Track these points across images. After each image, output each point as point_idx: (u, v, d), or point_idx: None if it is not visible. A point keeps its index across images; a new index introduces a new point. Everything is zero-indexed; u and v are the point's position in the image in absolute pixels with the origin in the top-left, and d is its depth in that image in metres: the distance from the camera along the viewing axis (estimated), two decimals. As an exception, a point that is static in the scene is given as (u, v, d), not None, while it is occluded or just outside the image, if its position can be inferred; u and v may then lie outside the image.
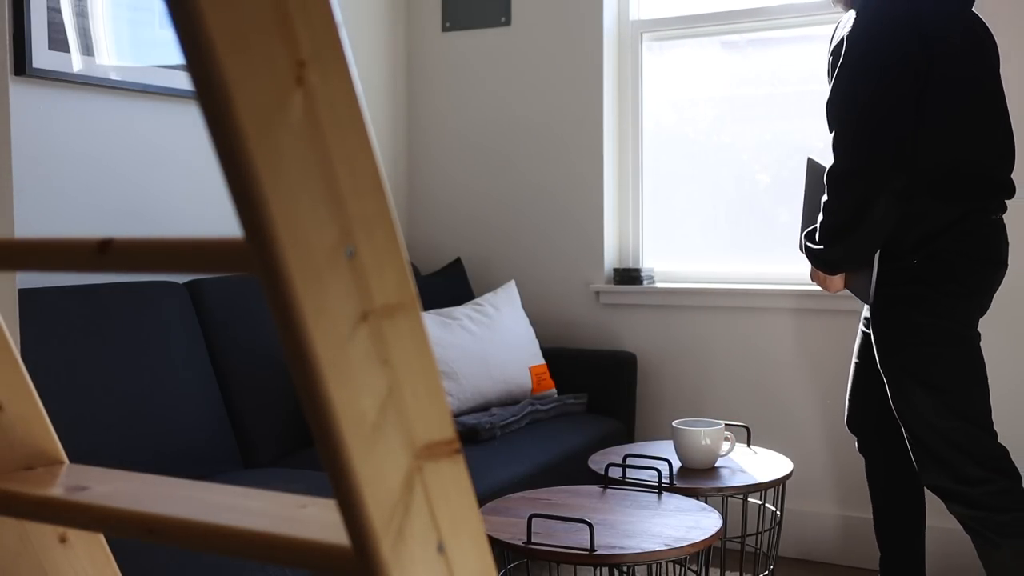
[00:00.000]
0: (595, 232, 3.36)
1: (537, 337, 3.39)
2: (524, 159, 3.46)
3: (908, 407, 2.07)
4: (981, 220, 2.04)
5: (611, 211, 3.38)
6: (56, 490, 0.79)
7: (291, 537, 0.64)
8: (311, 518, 0.68)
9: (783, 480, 2.26)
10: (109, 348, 2.29)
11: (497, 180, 3.51)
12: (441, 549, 0.61)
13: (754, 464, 2.36)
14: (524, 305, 3.46)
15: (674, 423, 2.34)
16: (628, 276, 3.29)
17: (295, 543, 0.64)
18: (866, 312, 2.28)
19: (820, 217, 2.07)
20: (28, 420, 0.88)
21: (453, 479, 0.62)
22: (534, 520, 1.82)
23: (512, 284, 3.25)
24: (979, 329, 2.11)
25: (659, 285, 3.28)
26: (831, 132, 2.05)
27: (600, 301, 3.35)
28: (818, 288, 3.04)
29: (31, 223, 2.37)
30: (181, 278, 2.63)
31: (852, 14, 2.05)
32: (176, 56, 2.69)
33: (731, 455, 2.41)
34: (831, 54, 2.10)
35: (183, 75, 2.71)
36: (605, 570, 2.00)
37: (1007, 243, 2.10)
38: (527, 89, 3.45)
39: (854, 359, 2.35)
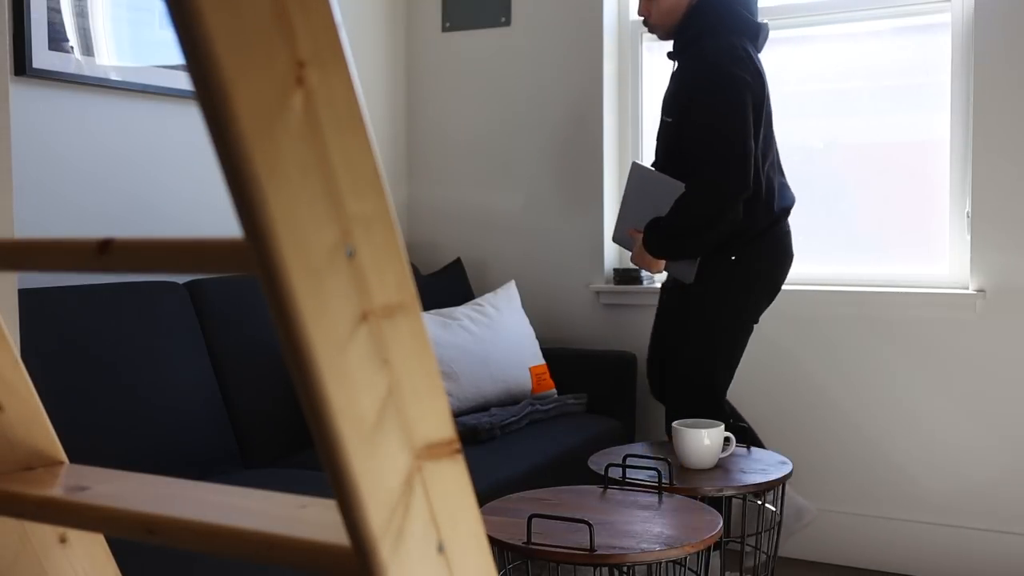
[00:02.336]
0: (595, 232, 3.36)
1: (537, 337, 3.39)
2: (524, 159, 3.46)
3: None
4: (774, 232, 2.65)
5: (611, 211, 3.38)
6: (56, 490, 0.79)
7: (291, 537, 0.64)
8: (311, 518, 0.68)
9: (783, 480, 2.26)
10: (109, 348, 2.29)
11: (497, 180, 3.51)
12: (441, 549, 0.61)
13: (754, 464, 2.36)
14: (524, 305, 3.46)
15: (674, 423, 2.34)
16: (628, 276, 3.29)
17: (295, 543, 0.64)
18: (662, 282, 2.95)
19: (678, 215, 2.54)
20: (28, 420, 0.88)
21: (453, 479, 0.62)
22: (534, 520, 1.82)
23: (512, 284, 3.25)
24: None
25: (659, 285, 3.28)
26: (700, 153, 2.52)
27: (600, 301, 3.35)
28: (817, 288, 3.05)
29: (31, 223, 2.37)
30: (181, 278, 2.63)
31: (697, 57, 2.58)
32: (176, 56, 2.69)
33: (731, 455, 2.41)
34: (678, 92, 2.60)
35: (183, 75, 2.71)
36: (605, 570, 2.00)
37: (791, 246, 2.72)
38: (527, 89, 3.45)
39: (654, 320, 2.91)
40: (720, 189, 2.49)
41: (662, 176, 2.63)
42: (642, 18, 2.76)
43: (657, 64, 3.38)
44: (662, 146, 2.70)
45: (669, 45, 2.79)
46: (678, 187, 2.58)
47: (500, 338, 3.03)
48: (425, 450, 0.60)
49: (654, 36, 3.36)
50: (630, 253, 2.77)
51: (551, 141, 3.41)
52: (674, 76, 2.70)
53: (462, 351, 2.92)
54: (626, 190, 2.75)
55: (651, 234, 2.61)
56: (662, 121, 2.70)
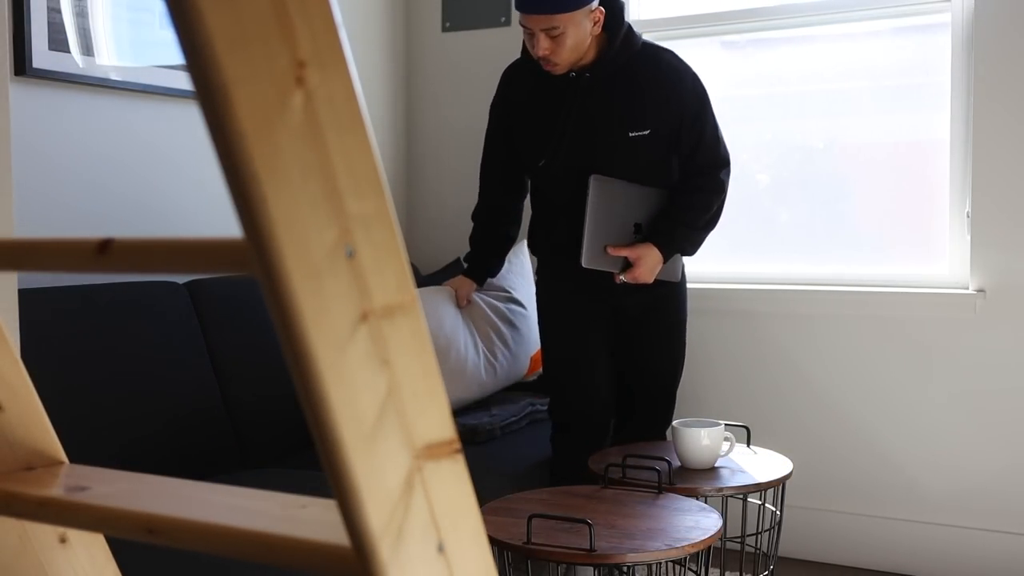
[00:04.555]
0: (595, 232, 3.35)
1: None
2: (524, 159, 3.45)
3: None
4: None
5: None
6: (56, 490, 0.79)
7: (291, 537, 0.64)
8: (311, 518, 0.68)
9: (783, 480, 2.26)
10: (109, 348, 2.29)
11: (497, 180, 3.50)
12: (441, 549, 0.61)
13: (754, 464, 2.36)
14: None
15: (674, 423, 2.34)
16: (628, 276, 3.28)
17: (295, 543, 0.64)
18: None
19: (708, 210, 2.59)
20: (28, 420, 0.88)
21: (453, 479, 0.62)
22: (534, 520, 1.82)
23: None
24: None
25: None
26: (715, 150, 2.61)
27: (600, 301, 3.35)
28: (817, 288, 3.05)
29: (31, 223, 2.37)
30: (181, 278, 2.63)
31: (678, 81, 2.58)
32: (176, 56, 2.69)
33: (731, 455, 2.41)
34: (650, 104, 2.55)
35: (183, 75, 2.71)
36: (605, 570, 2.00)
37: None
38: (527, 89, 3.44)
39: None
40: (728, 161, 2.66)
41: (631, 184, 2.55)
42: (541, 56, 2.47)
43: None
44: (640, 159, 2.56)
45: (674, 44, 2.78)
46: (650, 190, 2.57)
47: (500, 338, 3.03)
48: (425, 450, 0.60)
49: (655, 36, 3.37)
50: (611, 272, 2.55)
51: (551, 141, 3.41)
52: (621, 91, 2.55)
53: (463, 351, 2.92)
54: (591, 208, 2.50)
55: (684, 231, 2.57)
56: (630, 138, 2.54)
